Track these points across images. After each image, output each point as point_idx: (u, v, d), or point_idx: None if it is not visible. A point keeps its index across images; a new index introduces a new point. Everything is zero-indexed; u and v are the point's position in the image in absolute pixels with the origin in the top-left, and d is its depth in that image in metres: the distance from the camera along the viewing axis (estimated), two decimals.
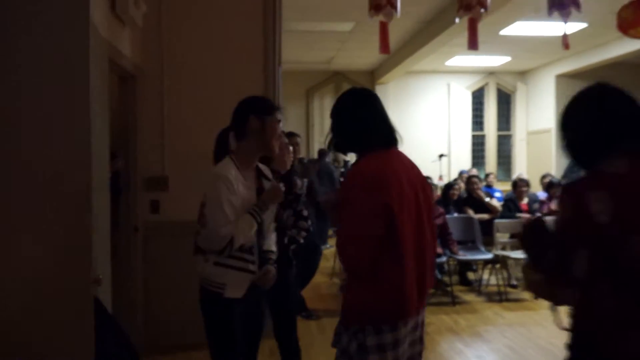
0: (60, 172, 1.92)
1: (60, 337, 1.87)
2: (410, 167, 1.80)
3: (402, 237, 1.64)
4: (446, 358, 3.68)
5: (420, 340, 1.80)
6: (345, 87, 10.85)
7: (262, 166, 2.27)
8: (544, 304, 5.16)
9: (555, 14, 3.94)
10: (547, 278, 1.42)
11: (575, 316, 1.37)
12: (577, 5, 3.89)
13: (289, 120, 10.21)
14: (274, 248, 2.29)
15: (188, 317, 2.75)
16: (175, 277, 3.60)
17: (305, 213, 2.98)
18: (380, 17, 3.91)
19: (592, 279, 1.29)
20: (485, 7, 3.88)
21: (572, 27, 7.15)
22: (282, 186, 2.23)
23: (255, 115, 2.07)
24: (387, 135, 1.80)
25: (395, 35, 7.87)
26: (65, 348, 1.85)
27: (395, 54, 9.00)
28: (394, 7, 3.82)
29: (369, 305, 1.65)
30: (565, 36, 3.94)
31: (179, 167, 3.79)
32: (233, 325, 2.07)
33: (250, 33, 3.88)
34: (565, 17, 3.95)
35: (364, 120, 1.78)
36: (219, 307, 2.06)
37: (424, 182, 1.84)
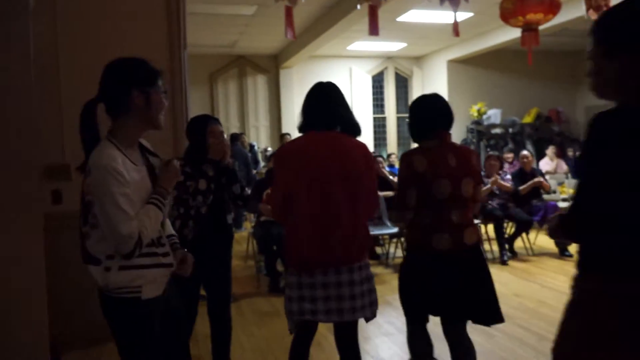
0: None
1: None
2: (332, 146, 2.14)
3: (297, 204, 2.10)
4: (359, 324, 3.91)
5: (352, 297, 2.15)
6: (249, 71, 10.83)
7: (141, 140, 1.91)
8: None
9: (446, 3, 4.25)
10: (394, 208, 2.73)
11: (408, 228, 2.44)
12: None
13: (194, 104, 10.00)
14: (172, 230, 2.05)
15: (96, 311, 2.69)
16: (82, 268, 3.48)
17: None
18: (286, 2, 3.98)
19: (418, 206, 2.31)
20: None
21: (460, 16, 7.69)
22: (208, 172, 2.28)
23: (137, 89, 1.71)
24: (314, 121, 2.23)
25: (299, 20, 7.98)
26: None
27: (299, 38, 9.10)
28: None
29: (287, 254, 2.23)
30: (455, 24, 4.27)
31: (81, 154, 3.63)
32: (155, 327, 1.80)
33: (154, 15, 3.79)
34: (455, 6, 4.28)
35: (303, 108, 2.30)
36: (138, 311, 1.74)
37: (349, 159, 2.14)
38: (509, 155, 7.79)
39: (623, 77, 1.26)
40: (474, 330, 3.76)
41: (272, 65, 10.87)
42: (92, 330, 3.39)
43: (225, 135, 2.89)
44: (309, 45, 8.72)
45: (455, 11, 4.36)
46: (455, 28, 4.33)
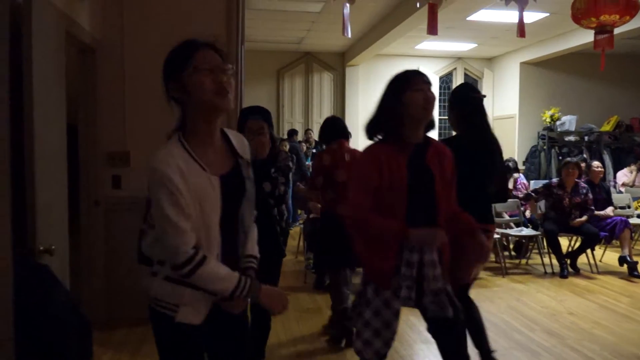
0: None
1: None
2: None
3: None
4: (400, 333, 3.84)
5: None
6: (316, 67, 10.91)
7: (232, 134, 1.65)
8: (499, 282, 5.37)
9: (512, 3, 4.06)
10: (308, 189, 4.01)
11: (320, 202, 3.69)
12: None
13: (260, 99, 10.22)
14: (256, 251, 1.71)
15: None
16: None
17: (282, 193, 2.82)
18: (345, 0, 3.97)
19: (324, 188, 3.54)
20: None
21: (534, 16, 7.33)
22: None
23: (171, 80, 1.51)
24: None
25: (366, 18, 7.94)
26: None
27: (365, 36, 9.06)
28: None
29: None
30: (520, 24, 4.07)
31: (141, 143, 3.80)
32: (185, 356, 1.60)
33: (213, 10, 3.89)
34: (522, 6, 4.09)
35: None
36: (169, 331, 1.56)
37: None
38: (596, 164, 7.27)
39: None
40: (517, 346, 3.60)
41: (338, 63, 10.88)
42: (140, 310, 3.57)
43: (285, 130, 2.92)
44: (375, 43, 8.64)
45: (521, 11, 4.16)
46: (521, 28, 4.12)
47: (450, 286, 2.08)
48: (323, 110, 10.81)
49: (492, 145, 2.91)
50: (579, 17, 4.32)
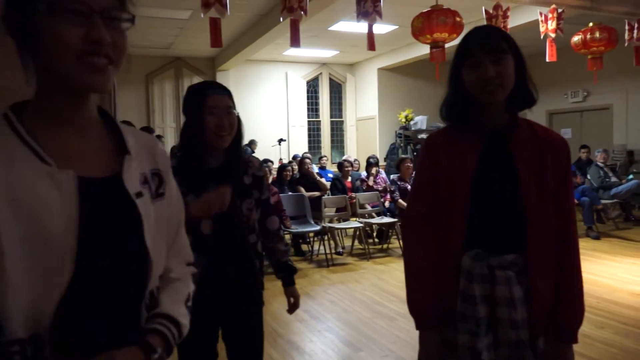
0: None
1: None
2: None
3: None
4: (278, 314, 4.25)
5: None
6: (186, 72, 10.95)
7: (129, 130, 0.99)
8: (364, 265, 6.04)
9: (362, 19, 4.68)
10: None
11: None
12: (379, 14, 4.67)
13: (130, 104, 10.04)
14: (176, 311, 0.98)
15: None
16: None
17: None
18: (211, 14, 4.27)
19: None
20: (305, 12, 4.46)
21: (385, 28, 8.24)
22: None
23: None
24: None
25: (235, 25, 8.25)
26: None
27: (235, 42, 9.36)
28: (223, 5, 4.21)
29: None
30: (370, 38, 4.70)
31: None
32: None
33: None
34: (370, 23, 4.72)
35: None
36: None
37: None
38: None
39: None
40: (378, 315, 4.17)
41: (209, 68, 11.05)
42: None
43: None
44: (245, 49, 8.98)
45: (370, 27, 4.79)
46: (370, 41, 4.75)
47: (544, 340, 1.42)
48: None
49: None
50: (417, 33, 5.09)
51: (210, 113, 1.70)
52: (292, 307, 2.12)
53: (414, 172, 6.33)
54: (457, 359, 1.40)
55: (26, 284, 0.77)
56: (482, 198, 1.38)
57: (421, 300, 1.45)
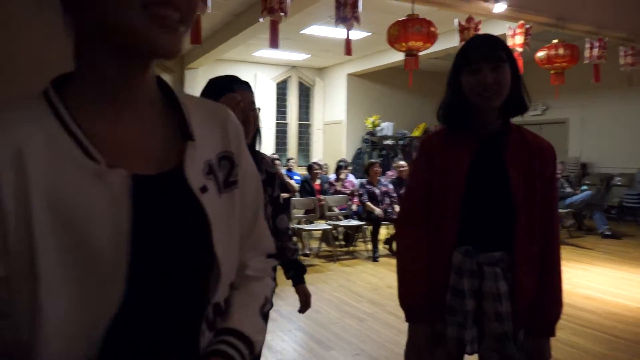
0: None
1: None
2: None
3: None
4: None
5: None
6: (155, 70, 10.73)
7: (193, 100, 0.83)
8: (332, 267, 6.10)
9: (340, 24, 4.76)
10: None
11: None
12: (357, 20, 4.77)
13: None
14: (246, 326, 0.81)
15: None
16: None
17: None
18: None
19: None
20: (286, 13, 4.51)
21: (358, 34, 8.37)
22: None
23: None
24: None
25: (207, 24, 8.18)
26: None
27: (206, 41, 9.28)
28: (204, 1, 4.21)
29: None
30: (347, 44, 4.79)
31: None
32: None
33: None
34: (348, 28, 4.81)
35: None
36: None
37: None
38: (402, 164, 8.48)
39: None
40: (347, 315, 4.26)
41: (177, 65, 10.90)
42: None
43: None
44: (215, 48, 8.93)
45: (348, 32, 4.88)
46: (348, 47, 4.85)
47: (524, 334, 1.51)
48: None
49: None
50: (393, 41, 5.21)
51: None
52: (304, 306, 2.11)
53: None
54: (445, 350, 1.49)
55: (67, 310, 0.62)
56: (474, 198, 1.45)
57: (412, 294, 1.51)
